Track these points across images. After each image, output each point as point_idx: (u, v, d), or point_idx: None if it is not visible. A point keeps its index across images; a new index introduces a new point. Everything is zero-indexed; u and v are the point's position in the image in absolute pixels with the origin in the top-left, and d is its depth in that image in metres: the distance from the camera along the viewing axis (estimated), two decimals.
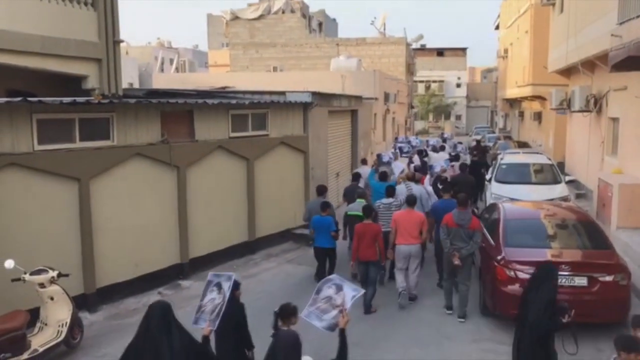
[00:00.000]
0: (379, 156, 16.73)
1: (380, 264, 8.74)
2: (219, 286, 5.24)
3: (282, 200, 12.62)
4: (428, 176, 13.23)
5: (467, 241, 8.14)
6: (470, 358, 7.03)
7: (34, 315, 6.82)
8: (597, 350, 7.18)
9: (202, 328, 4.85)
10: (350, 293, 4.88)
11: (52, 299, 6.78)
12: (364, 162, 15.28)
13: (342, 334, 4.51)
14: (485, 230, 9.17)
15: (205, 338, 4.85)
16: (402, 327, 7.85)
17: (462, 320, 8.16)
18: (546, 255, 7.82)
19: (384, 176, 11.43)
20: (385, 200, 9.68)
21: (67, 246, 8.09)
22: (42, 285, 6.71)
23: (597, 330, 7.56)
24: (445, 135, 29.80)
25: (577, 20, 16.24)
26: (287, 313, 4.64)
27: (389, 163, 15.31)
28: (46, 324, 6.80)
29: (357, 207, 9.40)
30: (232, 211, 11.24)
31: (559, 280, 7.29)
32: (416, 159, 16.71)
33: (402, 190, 10.38)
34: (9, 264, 6.57)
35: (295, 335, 4.32)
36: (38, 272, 6.78)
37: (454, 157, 16.47)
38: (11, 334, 6.12)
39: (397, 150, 20.64)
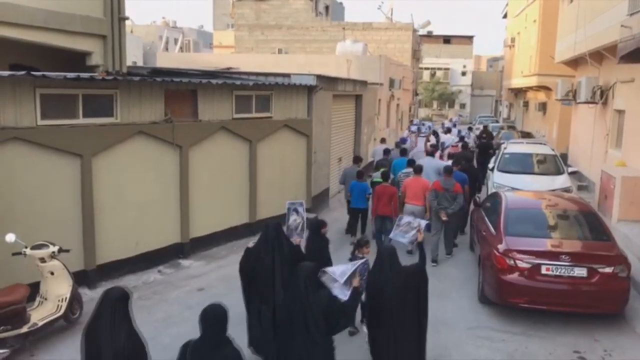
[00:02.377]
0: (402, 139, 20.08)
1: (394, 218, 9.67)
2: (296, 211, 7.31)
3: (284, 183, 12.60)
4: (439, 152, 15.56)
5: (452, 202, 10.17)
6: (465, 344, 7.06)
7: (34, 289, 6.84)
8: (594, 340, 7.22)
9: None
10: (423, 221, 6.96)
11: (52, 273, 6.80)
12: (383, 141, 17.58)
13: (421, 246, 6.08)
14: (486, 219, 9.19)
15: (298, 247, 6.65)
16: None
17: (449, 255, 10.42)
18: (547, 245, 7.83)
19: (403, 152, 14.21)
20: (405, 170, 11.77)
21: (68, 222, 8.09)
22: (42, 260, 6.73)
23: (594, 321, 7.60)
24: (455, 120, 36.15)
25: (586, 10, 16.07)
26: (361, 244, 6.95)
27: (407, 141, 18.73)
28: (46, 299, 6.83)
29: (377, 175, 11.55)
30: (234, 192, 11.23)
31: (559, 271, 7.36)
32: (432, 139, 20.01)
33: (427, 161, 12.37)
34: (10, 237, 6.58)
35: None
36: (39, 246, 6.79)
37: (461, 139, 19.60)
38: (11, 307, 6.15)
39: (416, 130, 25.65)
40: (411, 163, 11.82)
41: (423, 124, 32.73)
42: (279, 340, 4.81)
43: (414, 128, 27.26)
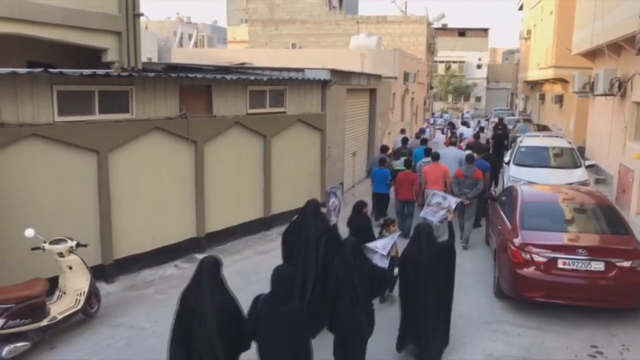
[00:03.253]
0: (421, 129, 21.48)
1: (415, 202, 11.39)
2: (335, 194, 7.98)
3: (298, 178, 12.63)
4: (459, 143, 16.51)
5: (473, 188, 10.94)
6: (481, 338, 7.04)
7: (53, 284, 6.94)
8: (611, 335, 7.16)
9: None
10: (454, 200, 7.78)
11: (70, 268, 6.90)
12: (403, 131, 18.92)
13: (450, 225, 6.98)
14: (502, 213, 9.15)
15: (335, 225, 7.38)
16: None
17: (465, 245, 10.70)
18: (563, 239, 7.77)
19: (424, 142, 15.12)
20: (425, 160, 12.54)
21: (86, 217, 8.19)
22: (61, 254, 6.82)
23: (611, 315, 7.54)
24: (471, 113, 41.30)
25: (604, 1, 15.85)
26: (387, 224, 7.81)
27: (425, 132, 20.21)
28: (65, 293, 6.93)
29: (400, 162, 12.56)
30: (248, 187, 11.29)
31: (575, 265, 7.31)
32: (447, 131, 21.86)
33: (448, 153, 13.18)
34: (29, 232, 6.68)
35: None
36: (57, 241, 6.89)
37: (481, 129, 21.91)
38: (31, 300, 6.24)
39: (434, 122, 28.91)
40: (428, 152, 12.81)
41: (441, 116, 36.54)
42: (332, 303, 5.53)
43: (432, 120, 30.53)
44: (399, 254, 6.56)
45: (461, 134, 20.14)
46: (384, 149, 14.18)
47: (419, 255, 6.17)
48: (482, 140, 17.47)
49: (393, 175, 12.09)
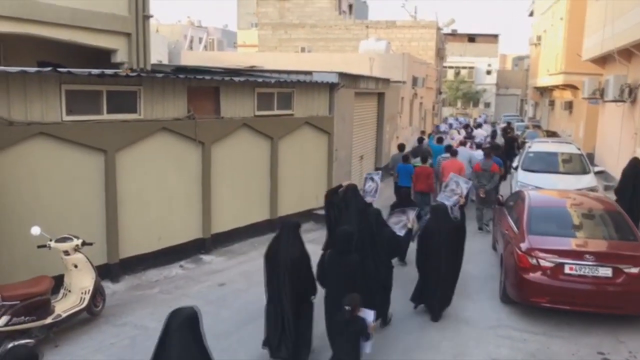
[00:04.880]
0: (437, 126, 25.09)
1: (431, 193, 12.42)
2: (372, 179, 9.73)
3: (305, 181, 12.63)
4: (469, 143, 17.56)
5: (490, 180, 12.26)
6: (486, 343, 6.98)
7: (59, 282, 6.96)
8: (618, 341, 7.08)
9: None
10: (465, 186, 9.17)
11: (76, 266, 6.91)
12: (423, 133, 21.10)
13: (462, 208, 8.43)
14: (509, 218, 9.08)
15: (370, 204, 8.23)
16: (422, 310, 7.81)
17: (482, 230, 12.15)
18: (570, 244, 7.71)
19: (440, 140, 16.57)
20: (443, 155, 13.75)
21: (92, 216, 8.22)
22: (66, 252, 6.83)
23: (618, 321, 7.46)
24: (483, 117, 42.46)
25: (615, 7, 15.77)
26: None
27: (444, 132, 22.76)
28: (70, 291, 6.94)
29: (416, 160, 13.32)
30: (255, 189, 11.29)
31: (582, 271, 7.24)
32: (462, 132, 23.17)
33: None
34: (35, 230, 6.70)
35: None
36: (63, 239, 6.90)
37: (493, 132, 23.18)
38: (36, 298, 6.26)
39: (449, 124, 30.51)
40: (448, 149, 14.07)
41: (457, 119, 39.10)
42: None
43: (449, 122, 33.94)
44: (414, 228, 7.87)
45: (474, 136, 21.56)
46: (402, 147, 14.98)
47: (435, 230, 7.45)
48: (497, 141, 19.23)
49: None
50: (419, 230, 7.99)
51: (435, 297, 7.51)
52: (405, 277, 8.49)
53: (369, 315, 5.36)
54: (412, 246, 8.13)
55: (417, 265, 7.74)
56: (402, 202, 11.06)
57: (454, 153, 13.27)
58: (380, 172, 10.75)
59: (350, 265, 5.89)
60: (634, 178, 10.61)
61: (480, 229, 12.29)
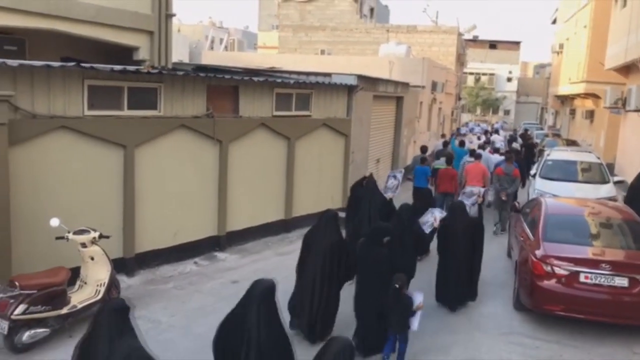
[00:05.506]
0: (458, 129, 28.97)
1: (454, 194, 12.56)
2: (394, 177, 11.16)
3: (321, 182, 12.66)
4: (488, 148, 18.70)
5: (511, 184, 12.76)
6: (497, 350, 6.94)
7: (75, 274, 7.07)
8: (633, 353, 7.00)
9: None
10: (482, 189, 11.10)
11: (92, 259, 7.01)
12: (444, 136, 23.48)
13: (480, 206, 10.13)
14: (525, 225, 9.03)
15: (390, 200, 9.71)
16: (435, 314, 7.79)
17: (503, 232, 12.32)
18: (586, 252, 7.63)
19: (462, 143, 17.67)
20: (468, 159, 14.33)
21: (110, 210, 8.34)
22: (83, 245, 6.93)
23: (633, 332, 7.37)
24: (500, 123, 45.03)
25: (639, 15, 15.58)
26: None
27: (465, 134, 25.76)
28: (85, 283, 7.04)
29: (440, 162, 13.89)
30: (271, 189, 11.35)
31: (598, 280, 7.16)
32: (483, 137, 24.96)
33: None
34: (55, 222, 6.82)
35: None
36: (81, 232, 7.00)
37: (512, 138, 25.07)
38: (53, 288, 6.37)
39: (470, 128, 34.22)
40: (472, 152, 14.72)
41: (478, 124, 41.65)
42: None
43: (470, 126, 37.52)
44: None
45: (493, 142, 22.42)
46: (424, 149, 15.23)
47: (452, 227, 8.04)
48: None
49: (433, 173, 13.60)
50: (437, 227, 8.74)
51: (451, 290, 8.00)
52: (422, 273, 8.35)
53: (417, 296, 6.25)
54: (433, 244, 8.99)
55: (438, 259, 8.31)
56: (421, 203, 11.55)
57: (478, 157, 13.81)
58: (402, 170, 12.28)
59: (379, 258, 6.44)
60: None
61: (503, 230, 12.50)
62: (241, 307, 4.47)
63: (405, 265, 7.06)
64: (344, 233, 7.86)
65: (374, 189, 9.08)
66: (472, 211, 10.95)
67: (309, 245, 6.80)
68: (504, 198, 12.59)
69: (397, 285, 6.11)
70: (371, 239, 6.65)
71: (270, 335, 4.34)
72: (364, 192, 9.35)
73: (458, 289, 8.00)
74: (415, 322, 6.23)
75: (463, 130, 31.57)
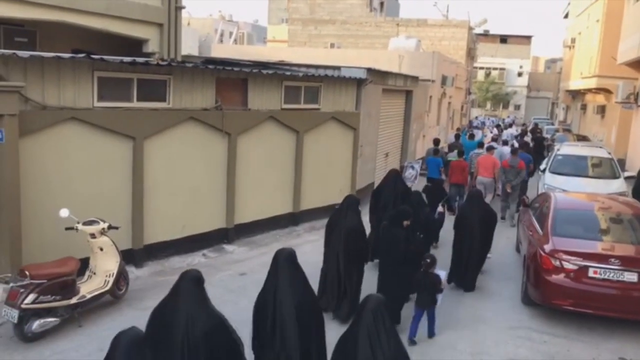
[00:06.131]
0: (470, 122, 30.57)
1: (465, 185, 13.47)
2: (412, 167, 13.09)
3: (329, 175, 12.66)
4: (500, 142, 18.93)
5: (516, 176, 13.03)
6: (505, 343, 6.93)
7: (85, 264, 7.13)
8: None
9: None
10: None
11: (101, 249, 7.07)
12: (458, 129, 25.20)
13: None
14: (534, 219, 8.99)
15: (409, 188, 10.22)
16: (441, 308, 7.76)
17: (504, 219, 12.82)
18: (595, 247, 7.59)
19: (472, 137, 18.56)
20: (476, 151, 14.85)
21: (119, 202, 8.39)
22: (92, 235, 7.00)
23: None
24: (511, 117, 47.14)
25: None
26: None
27: (477, 127, 28.23)
28: (95, 273, 7.10)
29: (453, 154, 15.05)
30: (279, 182, 11.37)
31: (607, 275, 7.12)
32: (495, 130, 26.37)
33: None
34: (64, 212, 6.88)
35: None
36: (90, 222, 7.07)
37: (523, 131, 27.19)
38: (62, 278, 6.43)
39: (482, 122, 36.77)
40: (481, 145, 15.35)
41: (489, 118, 43.75)
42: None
43: (482, 119, 39.54)
44: (446, 213, 9.71)
45: (501, 135, 23.30)
46: (437, 142, 15.81)
47: (469, 213, 8.59)
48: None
49: (445, 164, 14.16)
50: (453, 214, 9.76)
51: (466, 272, 8.50)
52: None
53: (442, 274, 6.87)
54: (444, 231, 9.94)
55: (453, 244, 8.76)
56: (434, 192, 11.78)
57: (489, 149, 14.31)
58: (420, 161, 13.75)
59: (398, 239, 6.99)
60: None
61: (502, 218, 12.89)
62: (272, 276, 4.79)
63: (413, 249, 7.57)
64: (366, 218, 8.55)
65: (396, 181, 9.71)
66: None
67: (332, 228, 7.32)
68: (509, 190, 12.99)
69: (428, 261, 6.75)
70: (393, 221, 7.24)
71: (296, 295, 4.64)
72: (387, 180, 9.88)
73: (475, 271, 8.59)
74: (439, 298, 6.83)
75: (475, 123, 34.14)
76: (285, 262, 4.79)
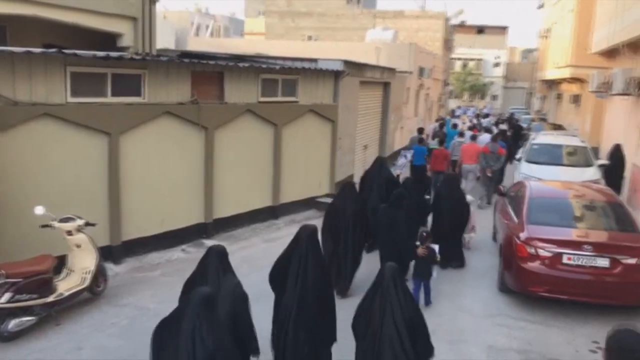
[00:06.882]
0: (453, 111, 34.05)
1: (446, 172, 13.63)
2: (405, 156, 13.88)
3: (308, 168, 12.68)
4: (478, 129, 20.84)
5: (496, 161, 13.94)
6: (482, 331, 7.05)
7: (62, 262, 7.06)
8: None
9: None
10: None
11: (78, 246, 7.00)
12: (439, 119, 25.51)
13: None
14: (509, 208, 9.13)
15: (397, 177, 11.14)
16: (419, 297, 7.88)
17: (488, 205, 13.41)
18: (569, 234, 7.75)
19: (455, 126, 19.22)
20: (458, 139, 15.58)
21: (96, 198, 8.31)
22: (69, 232, 6.92)
23: (615, 313, 7.49)
24: (488, 107, 49.23)
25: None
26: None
27: (458, 116, 30.42)
28: (72, 271, 7.03)
29: (434, 143, 15.62)
30: (258, 175, 11.36)
31: (580, 261, 7.28)
32: (474, 120, 28.40)
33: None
34: (39, 210, 6.79)
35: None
36: (66, 219, 6.99)
37: (499, 120, 28.95)
38: (39, 276, 6.36)
39: (463, 111, 39.40)
40: (461, 134, 16.22)
41: (469, 108, 45.10)
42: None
43: (463, 111, 41.06)
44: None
45: (481, 123, 25.12)
46: (420, 131, 16.73)
47: (446, 195, 9.34)
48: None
49: (429, 152, 14.65)
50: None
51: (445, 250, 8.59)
52: None
53: (436, 247, 7.66)
54: None
55: (432, 223, 9.48)
56: (417, 178, 12.27)
57: (473, 137, 15.30)
58: (412, 150, 14.53)
59: (399, 219, 7.69)
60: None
61: (489, 202, 13.73)
62: (290, 248, 5.28)
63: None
64: None
65: (381, 166, 10.38)
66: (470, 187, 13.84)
67: (335, 213, 7.82)
68: (489, 174, 13.84)
69: (424, 234, 7.61)
70: (392, 203, 7.93)
71: (316, 268, 5.10)
72: (373, 168, 10.51)
73: (448, 251, 8.87)
74: (435, 270, 7.69)
75: (458, 112, 37.04)
76: (308, 237, 5.22)
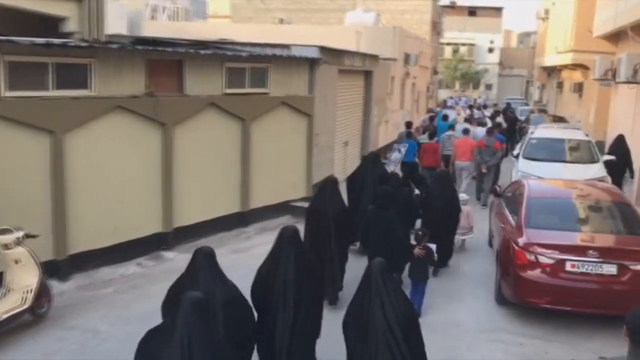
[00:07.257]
0: (444, 101, 35.38)
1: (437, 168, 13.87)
2: (399, 150, 14.38)
3: (281, 169, 12.68)
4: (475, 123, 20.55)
5: (492, 156, 14.34)
6: (478, 347, 7.13)
7: None
8: (622, 347, 7.23)
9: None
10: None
11: (17, 262, 6.89)
12: (430, 111, 28.58)
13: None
14: (506, 210, 9.24)
15: (390, 173, 10.87)
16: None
17: (485, 206, 13.35)
18: (572, 238, 7.86)
19: (445, 118, 19.84)
20: (448, 133, 16.31)
21: (37, 206, 8.19)
22: (6, 246, 6.82)
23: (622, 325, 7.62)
24: (483, 98, 49.68)
25: None
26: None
27: (451, 107, 31.00)
28: (11, 290, 6.92)
29: (424, 137, 16.13)
30: (224, 177, 11.32)
31: (585, 268, 7.40)
32: (467, 111, 27.99)
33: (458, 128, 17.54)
34: None
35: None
36: (2, 231, 6.89)
37: (496, 112, 27.91)
38: None
39: (455, 101, 39.52)
40: (451, 127, 17.14)
41: (460, 99, 45.97)
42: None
43: (455, 101, 41.84)
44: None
45: (472, 115, 25.30)
46: (409, 125, 17.54)
47: (438, 193, 9.62)
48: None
49: (419, 147, 15.28)
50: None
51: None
52: None
53: (433, 247, 8.04)
54: None
55: (422, 222, 9.77)
56: (408, 175, 12.50)
57: (465, 132, 15.70)
58: (407, 144, 15.06)
59: (390, 219, 7.86)
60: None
61: (478, 198, 14.37)
62: (275, 252, 5.70)
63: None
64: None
65: (374, 163, 10.73)
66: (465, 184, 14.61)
67: (317, 214, 8.04)
68: (484, 170, 14.25)
69: (420, 233, 8.09)
70: (380, 203, 8.11)
71: (302, 269, 5.56)
72: (363, 168, 10.80)
73: (441, 252, 8.96)
74: (430, 272, 8.23)
75: (449, 102, 37.66)
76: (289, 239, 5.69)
